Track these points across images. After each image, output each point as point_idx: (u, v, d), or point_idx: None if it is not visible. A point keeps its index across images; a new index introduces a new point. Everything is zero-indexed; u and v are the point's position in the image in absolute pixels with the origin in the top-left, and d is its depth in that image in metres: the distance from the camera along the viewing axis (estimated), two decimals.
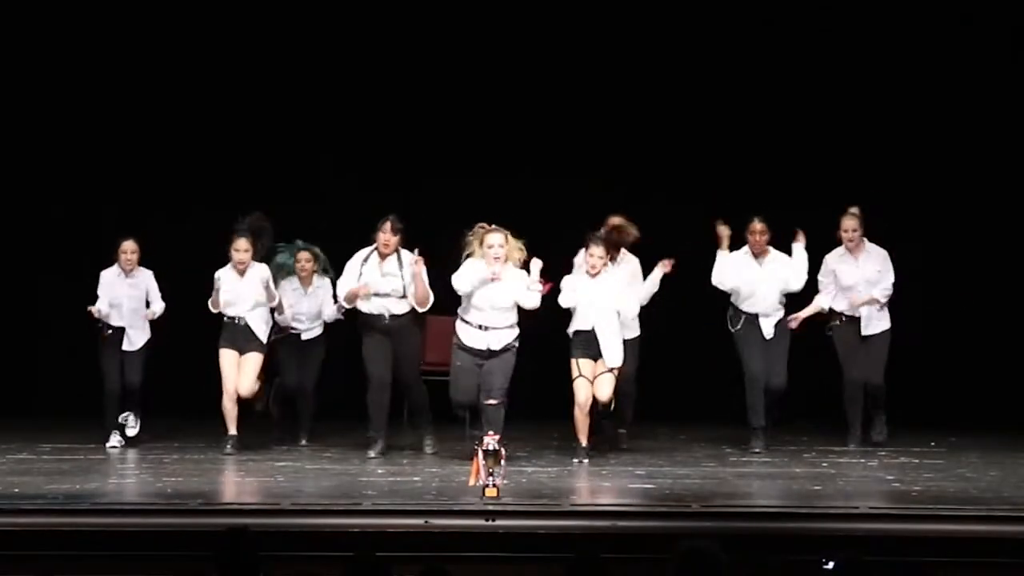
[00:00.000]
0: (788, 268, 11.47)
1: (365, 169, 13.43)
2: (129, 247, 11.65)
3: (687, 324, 12.30)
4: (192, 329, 11.74)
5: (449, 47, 13.38)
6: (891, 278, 11.68)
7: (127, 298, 11.63)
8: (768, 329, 11.45)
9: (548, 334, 11.08)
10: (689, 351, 12.35)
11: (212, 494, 9.33)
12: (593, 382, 10.79)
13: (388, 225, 11.11)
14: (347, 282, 11.22)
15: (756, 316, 11.46)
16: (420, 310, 11.18)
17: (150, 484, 9.94)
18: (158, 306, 11.66)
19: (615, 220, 11.32)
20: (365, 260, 11.17)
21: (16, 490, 9.27)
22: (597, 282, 10.90)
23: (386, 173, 13.28)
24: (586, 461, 10.71)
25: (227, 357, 11.35)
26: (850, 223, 11.63)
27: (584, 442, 10.83)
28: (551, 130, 13.40)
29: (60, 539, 8.17)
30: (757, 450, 11.33)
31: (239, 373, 11.32)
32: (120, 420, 11.53)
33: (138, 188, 13.29)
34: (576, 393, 10.82)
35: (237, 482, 10.26)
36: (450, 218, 11.26)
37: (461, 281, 10.82)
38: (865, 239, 11.68)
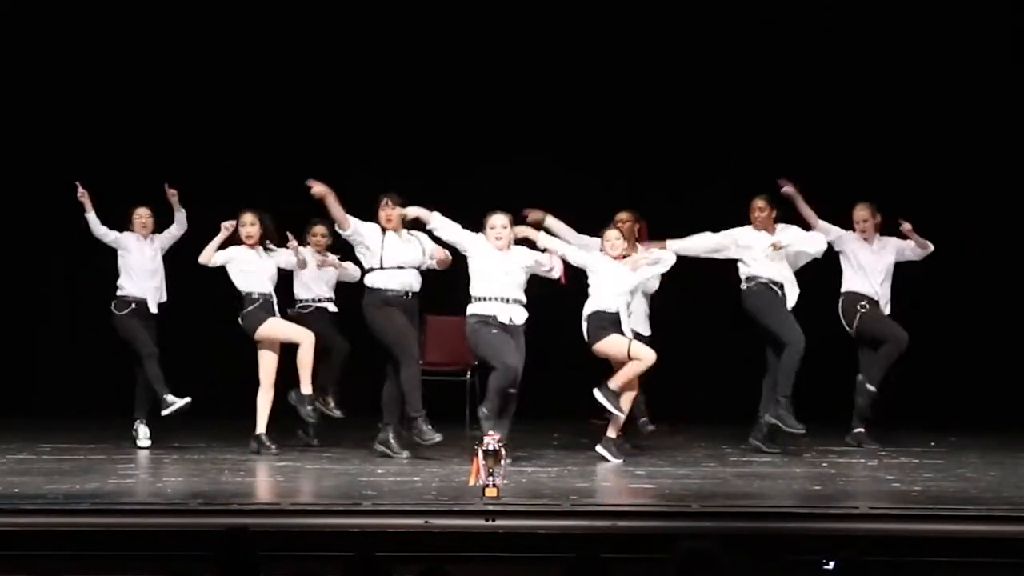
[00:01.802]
0: (798, 234, 11.44)
1: (365, 168, 13.41)
2: (144, 212, 11.72)
3: (687, 324, 12.30)
4: (192, 329, 11.75)
5: (448, 42, 13.38)
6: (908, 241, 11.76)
7: (150, 261, 11.65)
8: (792, 298, 11.35)
9: (548, 334, 11.07)
10: (690, 351, 12.34)
11: (212, 494, 9.32)
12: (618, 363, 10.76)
13: (386, 201, 10.97)
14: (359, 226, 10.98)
15: (780, 284, 11.41)
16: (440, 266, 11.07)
17: (150, 484, 9.94)
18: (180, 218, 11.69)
19: (623, 215, 11.36)
20: (383, 233, 10.99)
21: (16, 490, 9.26)
22: (620, 267, 10.86)
23: (385, 172, 13.24)
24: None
25: (278, 322, 11.20)
26: (861, 214, 11.69)
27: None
28: (555, 126, 13.41)
29: (60, 539, 8.17)
30: (800, 429, 11.21)
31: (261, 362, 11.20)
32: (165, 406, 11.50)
33: (137, 186, 13.27)
34: (641, 355, 10.67)
35: (237, 482, 10.25)
36: (451, 216, 11.26)
37: (450, 229, 10.72)
38: (877, 233, 11.73)
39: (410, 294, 11.03)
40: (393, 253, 10.98)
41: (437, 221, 10.82)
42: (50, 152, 13.49)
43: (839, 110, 13.33)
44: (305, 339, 11.18)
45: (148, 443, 11.54)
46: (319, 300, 11.78)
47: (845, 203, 11.84)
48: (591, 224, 11.13)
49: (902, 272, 11.81)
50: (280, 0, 13.45)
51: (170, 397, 11.48)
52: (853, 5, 13.31)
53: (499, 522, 8.33)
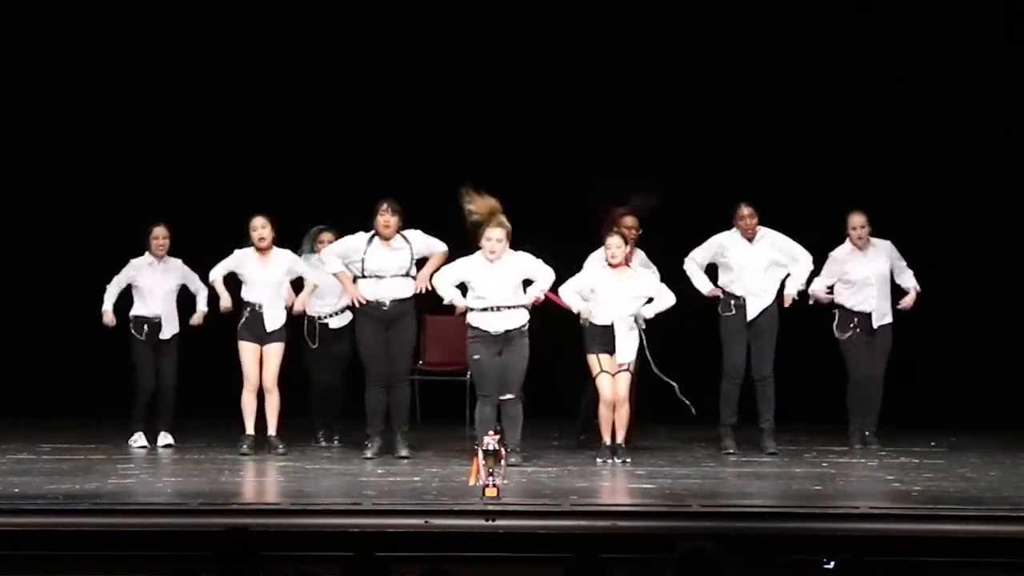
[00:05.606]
0: (781, 245, 11.41)
1: (367, 168, 13.41)
2: (161, 232, 11.60)
3: (686, 324, 12.28)
4: (193, 328, 11.74)
5: (448, 46, 13.38)
6: (905, 264, 11.72)
7: (159, 286, 11.57)
8: (753, 310, 11.37)
9: (547, 334, 11.07)
10: (689, 351, 12.34)
11: (212, 494, 9.33)
12: (614, 377, 10.76)
13: (386, 207, 10.99)
14: (341, 251, 11.05)
15: (743, 299, 11.41)
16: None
17: (150, 484, 9.95)
18: (202, 295, 11.60)
19: (628, 221, 11.35)
20: (369, 241, 11.02)
21: (16, 490, 9.27)
22: (616, 275, 10.85)
23: (388, 172, 13.26)
24: (611, 461, 10.68)
25: (248, 351, 11.23)
26: (859, 219, 11.60)
27: (609, 440, 10.78)
28: (553, 129, 13.40)
29: (60, 539, 8.18)
30: (730, 451, 11.26)
31: (264, 367, 11.20)
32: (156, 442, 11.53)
33: (138, 183, 13.28)
34: (601, 390, 10.74)
35: (237, 482, 10.26)
36: (451, 218, 11.25)
37: (443, 283, 10.77)
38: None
39: (386, 304, 10.99)
40: (372, 264, 10.99)
41: (446, 295, 10.84)
42: (52, 152, 13.48)
43: (841, 110, 13.32)
44: (246, 382, 11.20)
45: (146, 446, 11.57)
46: (320, 317, 11.72)
47: (845, 203, 11.85)
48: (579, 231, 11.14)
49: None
50: (274, 12, 13.43)
51: (137, 436, 11.48)
52: (857, 7, 13.31)
53: (499, 522, 8.34)
